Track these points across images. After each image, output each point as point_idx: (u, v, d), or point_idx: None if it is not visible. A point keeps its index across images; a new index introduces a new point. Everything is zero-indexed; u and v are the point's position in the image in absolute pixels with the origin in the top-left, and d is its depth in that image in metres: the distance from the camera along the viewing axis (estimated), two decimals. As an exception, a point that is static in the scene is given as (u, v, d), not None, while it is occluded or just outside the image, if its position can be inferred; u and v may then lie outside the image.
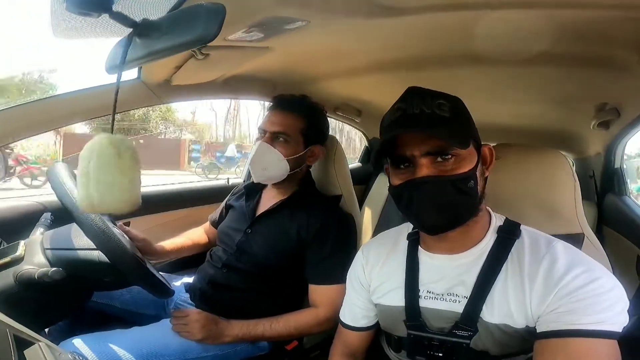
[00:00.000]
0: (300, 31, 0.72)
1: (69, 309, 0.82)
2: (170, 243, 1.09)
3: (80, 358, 0.56)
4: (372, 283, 0.72)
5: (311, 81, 1.21)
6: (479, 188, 0.59)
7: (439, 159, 0.57)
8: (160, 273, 0.89)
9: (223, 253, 1.02)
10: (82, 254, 0.74)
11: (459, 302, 0.60)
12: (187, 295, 1.04)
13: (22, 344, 0.45)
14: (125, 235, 0.90)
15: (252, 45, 0.81)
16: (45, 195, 1.08)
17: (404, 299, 0.65)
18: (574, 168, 0.78)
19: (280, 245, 0.96)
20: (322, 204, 1.02)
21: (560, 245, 0.58)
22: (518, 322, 0.56)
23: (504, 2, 0.63)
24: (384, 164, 0.67)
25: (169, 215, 1.35)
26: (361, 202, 1.53)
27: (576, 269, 0.53)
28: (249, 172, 1.09)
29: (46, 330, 0.86)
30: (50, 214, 0.90)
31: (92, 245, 0.70)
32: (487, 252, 0.61)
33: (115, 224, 0.91)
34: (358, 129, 1.87)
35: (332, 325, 0.85)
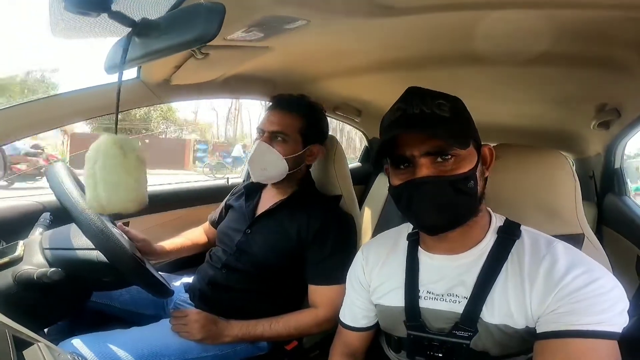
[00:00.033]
0: (300, 31, 0.72)
1: (68, 309, 0.82)
2: (169, 243, 1.09)
3: (80, 358, 0.56)
4: (372, 283, 0.72)
5: (311, 81, 1.21)
6: (478, 188, 0.59)
7: (439, 159, 0.57)
8: (160, 273, 0.89)
9: (223, 253, 1.01)
10: (81, 254, 0.74)
11: (459, 302, 0.60)
12: (187, 295, 1.04)
13: (21, 344, 0.45)
14: (124, 235, 0.90)
15: (252, 45, 0.81)
16: (45, 195, 1.07)
17: (403, 300, 0.65)
18: (574, 168, 0.78)
19: (280, 246, 0.95)
20: (322, 204, 1.01)
21: (561, 246, 0.58)
22: (518, 322, 0.56)
23: (504, 2, 0.63)
24: (384, 164, 0.67)
25: (168, 215, 1.35)
26: (361, 202, 1.53)
27: (576, 270, 0.53)
28: (249, 172, 1.09)
29: (45, 330, 0.86)
30: (49, 213, 0.90)
31: (91, 245, 0.70)
32: (487, 253, 0.61)
33: (114, 224, 0.91)
34: (358, 129, 1.87)
35: (332, 325, 0.85)
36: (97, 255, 0.72)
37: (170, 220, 1.35)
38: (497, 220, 0.64)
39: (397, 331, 0.68)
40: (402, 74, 1.05)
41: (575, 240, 0.73)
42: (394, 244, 0.72)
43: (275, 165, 0.94)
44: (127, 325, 0.89)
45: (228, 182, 1.59)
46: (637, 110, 1.07)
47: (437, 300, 0.62)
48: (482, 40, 0.77)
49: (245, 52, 0.86)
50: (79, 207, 0.67)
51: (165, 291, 0.79)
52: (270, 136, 0.95)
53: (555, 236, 0.61)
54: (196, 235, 1.20)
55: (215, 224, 1.18)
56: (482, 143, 0.62)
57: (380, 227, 1.43)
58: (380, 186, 1.55)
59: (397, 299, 0.67)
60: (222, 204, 1.19)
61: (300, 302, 1.02)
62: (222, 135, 21.35)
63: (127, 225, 0.99)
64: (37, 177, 5.68)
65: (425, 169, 0.56)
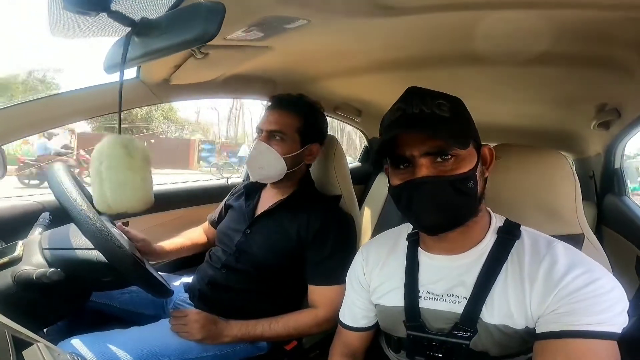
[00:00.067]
0: (300, 30, 0.72)
1: (68, 309, 0.82)
2: (169, 243, 1.09)
3: (79, 358, 0.56)
4: (371, 283, 0.72)
5: (311, 81, 1.21)
6: (478, 188, 0.58)
7: (439, 159, 0.57)
8: (159, 273, 0.89)
9: (222, 254, 1.01)
10: (80, 254, 0.73)
11: (459, 302, 0.60)
12: (186, 295, 1.04)
13: (21, 344, 0.45)
14: (123, 235, 0.89)
15: (252, 45, 0.81)
16: (44, 195, 1.07)
17: (403, 300, 0.65)
18: (574, 168, 0.78)
19: (279, 246, 0.95)
20: (322, 204, 1.01)
21: (561, 246, 0.58)
22: (518, 322, 0.56)
23: (504, 2, 0.63)
24: (384, 164, 0.67)
25: (168, 215, 1.35)
26: (360, 202, 1.53)
27: (576, 270, 0.53)
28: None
29: (45, 330, 0.86)
30: (48, 213, 0.90)
31: (90, 245, 0.69)
32: (487, 253, 0.60)
33: (114, 224, 0.91)
34: (358, 129, 1.87)
35: (332, 325, 0.85)
36: (96, 255, 0.72)
37: (170, 220, 1.35)
38: (497, 221, 0.64)
39: (396, 331, 0.68)
40: (402, 74, 1.05)
41: (575, 240, 0.73)
42: (393, 244, 0.72)
43: (273, 164, 0.94)
44: (127, 325, 0.89)
45: (228, 182, 1.59)
46: (637, 110, 1.07)
47: (436, 300, 0.62)
48: (482, 40, 0.77)
49: (245, 52, 0.86)
50: (78, 206, 0.66)
51: (164, 291, 0.79)
52: (268, 135, 0.95)
53: (555, 236, 0.61)
54: (196, 235, 1.20)
55: (214, 223, 1.17)
56: (482, 143, 0.62)
57: (380, 227, 1.44)
58: (380, 186, 1.55)
59: (396, 299, 0.67)
60: (222, 203, 1.19)
61: (299, 302, 1.02)
62: (224, 135, 21.37)
63: (127, 225, 0.99)
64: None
65: (425, 169, 0.56)
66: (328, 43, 0.88)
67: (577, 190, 0.75)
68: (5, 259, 0.70)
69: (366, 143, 1.94)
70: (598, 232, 1.35)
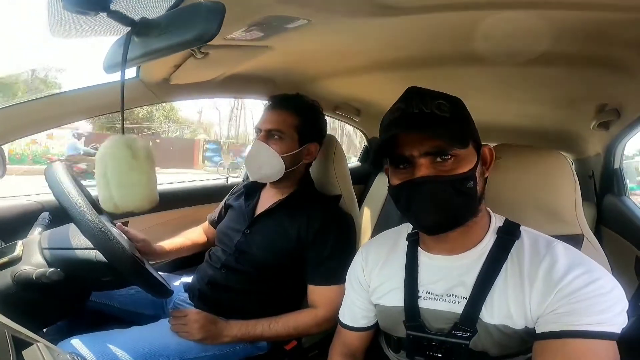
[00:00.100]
0: (301, 30, 0.72)
1: (67, 309, 0.82)
2: (169, 243, 1.09)
3: (79, 358, 0.56)
4: (371, 283, 0.72)
5: (311, 80, 1.21)
6: (478, 188, 0.58)
7: (438, 159, 0.57)
8: (159, 273, 0.89)
9: (222, 253, 1.01)
10: (80, 253, 0.73)
11: (459, 302, 0.60)
12: (186, 295, 1.04)
13: (21, 344, 0.44)
14: (123, 235, 0.89)
15: (252, 44, 0.80)
16: (43, 195, 1.07)
17: (403, 300, 0.65)
18: (573, 168, 0.78)
19: (279, 246, 0.95)
20: (322, 204, 1.01)
21: (560, 246, 0.58)
22: (517, 323, 0.56)
23: (504, 2, 0.63)
24: (384, 164, 0.67)
25: (167, 215, 1.35)
26: (360, 202, 1.53)
27: (576, 270, 0.53)
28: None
29: (44, 330, 0.86)
30: (48, 213, 0.90)
31: (90, 245, 0.69)
32: (486, 253, 0.60)
33: (113, 224, 0.90)
34: (357, 129, 1.87)
35: (331, 325, 0.85)
36: (96, 255, 0.72)
37: (170, 220, 1.34)
38: (497, 221, 0.64)
39: (396, 331, 0.68)
40: (402, 73, 1.05)
41: (575, 240, 0.73)
42: (393, 244, 0.72)
43: (271, 163, 0.94)
44: (127, 325, 0.89)
45: (227, 182, 1.59)
46: (637, 110, 1.07)
47: (436, 300, 0.62)
48: (483, 40, 0.77)
49: (245, 52, 0.86)
50: (78, 206, 0.66)
51: (164, 291, 0.79)
52: (266, 135, 0.95)
53: (555, 236, 0.61)
54: (196, 235, 1.20)
55: (214, 223, 1.17)
56: (482, 143, 0.62)
57: (380, 227, 1.43)
58: (380, 186, 1.55)
59: (396, 299, 0.67)
60: (222, 203, 1.19)
61: (299, 302, 1.02)
62: (225, 135, 21.37)
63: (127, 225, 0.99)
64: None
65: (424, 168, 0.56)
66: (328, 43, 0.88)
67: (576, 190, 0.75)
68: (4, 259, 0.70)
69: (366, 143, 1.94)
70: (597, 232, 1.35)
